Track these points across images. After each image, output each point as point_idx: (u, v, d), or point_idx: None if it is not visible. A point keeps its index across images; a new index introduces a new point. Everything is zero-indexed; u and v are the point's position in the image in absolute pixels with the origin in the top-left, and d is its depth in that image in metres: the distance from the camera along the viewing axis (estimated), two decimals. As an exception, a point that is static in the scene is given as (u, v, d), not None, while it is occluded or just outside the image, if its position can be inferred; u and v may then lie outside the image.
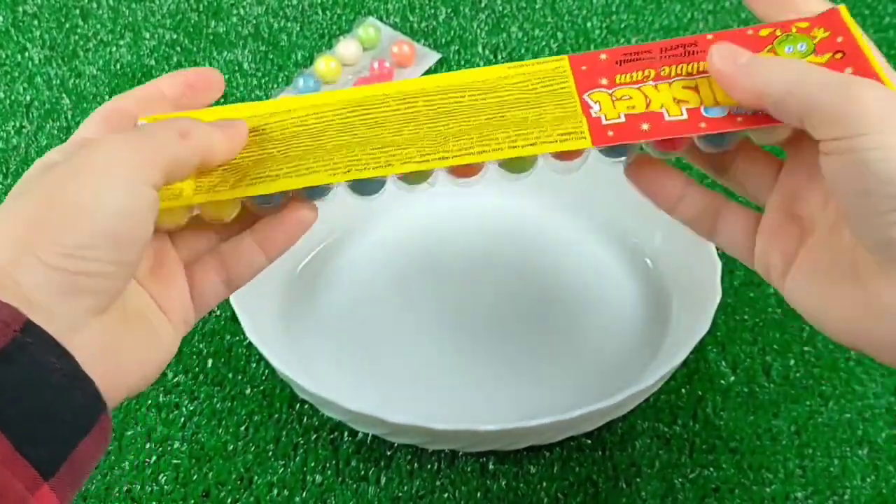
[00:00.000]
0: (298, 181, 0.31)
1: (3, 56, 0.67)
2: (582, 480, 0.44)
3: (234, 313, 0.47)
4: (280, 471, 0.44)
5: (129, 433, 0.46)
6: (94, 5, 0.71)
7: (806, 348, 0.49)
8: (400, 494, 0.44)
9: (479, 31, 0.68)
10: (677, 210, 0.34)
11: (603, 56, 0.32)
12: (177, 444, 0.45)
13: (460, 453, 0.45)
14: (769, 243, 0.32)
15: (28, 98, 0.64)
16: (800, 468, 0.44)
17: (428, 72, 0.65)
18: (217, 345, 0.49)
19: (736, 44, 0.31)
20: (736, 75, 0.30)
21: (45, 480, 0.25)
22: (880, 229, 0.27)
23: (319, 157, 0.32)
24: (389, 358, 0.48)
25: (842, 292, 0.29)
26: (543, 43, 0.67)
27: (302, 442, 0.45)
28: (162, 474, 0.44)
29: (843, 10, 0.31)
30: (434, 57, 0.66)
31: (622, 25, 0.68)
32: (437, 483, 0.44)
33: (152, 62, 0.66)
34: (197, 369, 0.48)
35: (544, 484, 0.44)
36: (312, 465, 0.45)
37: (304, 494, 0.44)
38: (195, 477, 0.44)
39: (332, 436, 0.46)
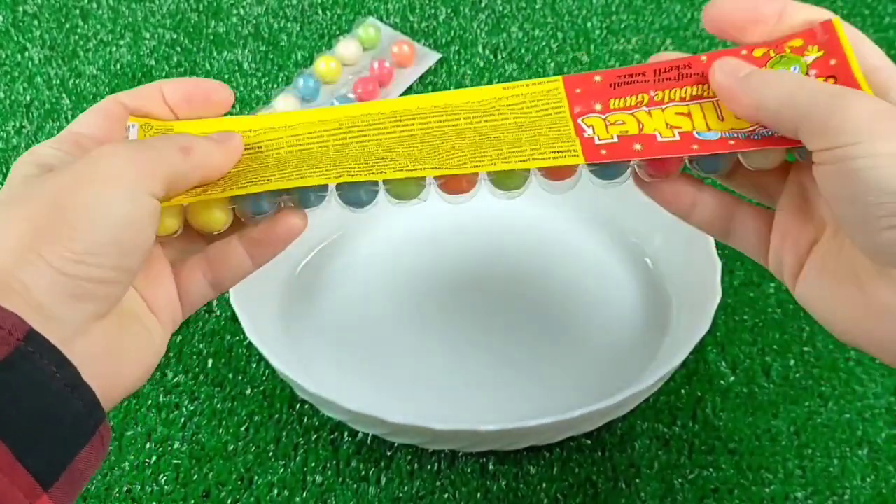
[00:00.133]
0: (289, 183, 0.32)
1: (3, 56, 0.67)
2: (582, 481, 0.44)
3: (234, 313, 0.47)
4: (280, 471, 0.44)
5: (129, 433, 0.46)
6: (94, 5, 0.71)
7: (806, 349, 0.49)
8: (400, 495, 0.44)
9: (479, 31, 0.68)
10: (692, 216, 0.35)
11: (597, 78, 0.33)
12: (177, 444, 0.45)
13: (460, 453, 0.45)
14: (782, 244, 0.32)
15: (28, 98, 0.64)
16: (799, 468, 0.44)
17: (428, 72, 0.65)
18: (217, 345, 0.49)
19: None
20: (736, 88, 0.30)
21: (45, 490, 0.25)
22: (872, 234, 0.27)
23: (312, 165, 0.32)
24: (389, 358, 0.48)
25: (846, 293, 0.30)
26: (543, 43, 0.67)
27: (302, 442, 0.45)
28: (162, 474, 0.44)
29: (836, 22, 0.31)
30: (434, 57, 0.66)
31: (622, 25, 0.68)
32: (437, 483, 0.44)
33: (152, 62, 0.66)
34: (197, 369, 0.48)
35: (544, 484, 0.44)
36: (313, 465, 0.45)
37: (304, 494, 0.44)
38: (195, 477, 0.44)
39: (332, 436, 0.46)
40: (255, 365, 0.49)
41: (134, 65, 0.66)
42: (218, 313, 0.51)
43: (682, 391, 0.47)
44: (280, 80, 0.65)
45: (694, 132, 0.31)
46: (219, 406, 0.47)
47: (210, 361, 0.49)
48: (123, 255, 0.28)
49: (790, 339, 0.49)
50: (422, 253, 0.53)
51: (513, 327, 0.49)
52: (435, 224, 0.54)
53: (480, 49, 0.67)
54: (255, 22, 0.69)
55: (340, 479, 0.44)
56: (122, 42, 0.68)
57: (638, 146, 0.31)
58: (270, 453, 0.45)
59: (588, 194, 0.53)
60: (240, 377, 0.48)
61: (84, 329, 0.27)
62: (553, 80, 0.33)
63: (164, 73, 0.65)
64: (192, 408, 0.47)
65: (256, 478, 0.44)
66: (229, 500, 0.43)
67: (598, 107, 0.32)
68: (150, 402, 0.47)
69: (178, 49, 0.67)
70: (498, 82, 0.65)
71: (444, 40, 0.68)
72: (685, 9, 0.69)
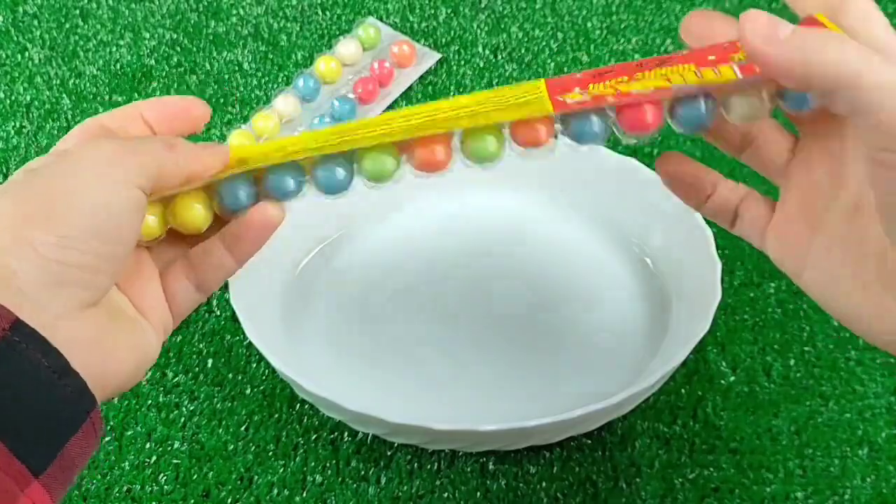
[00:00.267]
0: (262, 164, 0.33)
1: (3, 56, 0.67)
2: (582, 480, 0.44)
3: (234, 313, 0.47)
4: (280, 471, 0.44)
5: (129, 433, 0.46)
6: (94, 5, 0.71)
7: (806, 348, 0.49)
8: (400, 494, 0.44)
9: (479, 31, 0.68)
10: (705, 207, 0.35)
11: (578, 75, 0.33)
12: (177, 444, 0.45)
13: (460, 453, 0.45)
14: (781, 235, 0.32)
15: (28, 98, 0.64)
16: (800, 468, 0.44)
17: (428, 72, 0.65)
18: (217, 345, 0.49)
19: (709, 55, 0.31)
20: (781, 53, 0.27)
21: (36, 477, 0.25)
22: None
23: (286, 156, 0.33)
24: (389, 358, 0.48)
25: (853, 285, 0.30)
26: (543, 43, 0.67)
27: (302, 442, 0.45)
28: (162, 474, 0.44)
29: (819, 17, 0.31)
30: (434, 57, 0.66)
31: (622, 25, 0.68)
32: (437, 483, 0.44)
33: (152, 62, 0.66)
34: (197, 369, 0.48)
35: (544, 484, 0.44)
36: (312, 465, 0.45)
37: (304, 494, 0.44)
38: (195, 477, 0.44)
39: (332, 436, 0.46)
40: (255, 365, 0.49)
41: (134, 65, 0.66)
42: (218, 313, 0.51)
43: (683, 391, 0.47)
44: (280, 80, 0.65)
45: (671, 87, 0.31)
46: (219, 406, 0.47)
47: (210, 361, 0.49)
48: (106, 242, 0.28)
49: (790, 339, 0.49)
50: (422, 253, 0.53)
51: (513, 327, 0.49)
52: (434, 224, 0.54)
53: (480, 49, 0.67)
54: (255, 22, 0.69)
55: (340, 479, 0.44)
56: (122, 42, 0.68)
57: (611, 99, 0.31)
58: (270, 453, 0.45)
59: (588, 194, 0.53)
60: (240, 377, 0.48)
61: (70, 315, 0.27)
62: (536, 80, 0.34)
63: (164, 73, 0.65)
64: (191, 407, 0.47)
65: (256, 477, 0.44)
66: (229, 500, 0.43)
67: (576, 89, 0.32)
68: (150, 401, 0.47)
69: (178, 49, 0.67)
70: (498, 82, 0.65)
71: (444, 40, 0.68)
72: (685, 9, 0.69)
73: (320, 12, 0.70)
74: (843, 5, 0.29)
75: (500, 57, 0.66)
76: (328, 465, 0.45)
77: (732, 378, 0.48)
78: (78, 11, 0.70)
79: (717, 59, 0.31)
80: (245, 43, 0.68)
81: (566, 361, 0.47)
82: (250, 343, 0.45)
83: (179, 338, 0.50)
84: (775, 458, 0.45)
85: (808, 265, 0.32)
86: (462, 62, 0.66)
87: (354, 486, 0.44)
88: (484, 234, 0.53)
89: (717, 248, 0.46)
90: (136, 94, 0.64)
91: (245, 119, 0.62)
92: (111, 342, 0.29)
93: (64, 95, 0.64)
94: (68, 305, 0.27)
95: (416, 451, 0.45)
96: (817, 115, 0.31)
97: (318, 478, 0.44)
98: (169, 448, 0.45)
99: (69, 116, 0.62)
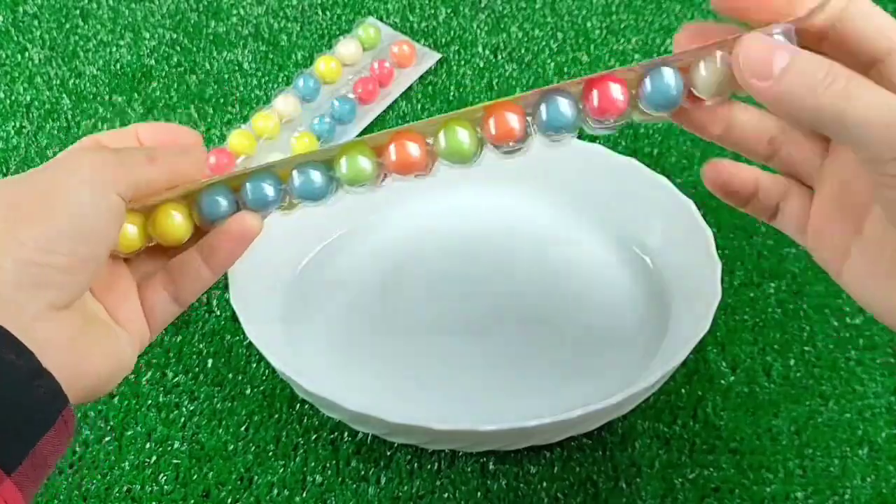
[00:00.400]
0: (242, 175, 0.33)
1: (3, 56, 0.67)
2: (582, 480, 0.44)
3: (234, 313, 0.47)
4: (280, 471, 0.44)
5: (129, 433, 0.46)
6: (94, 6, 0.71)
7: (806, 348, 0.49)
8: (400, 494, 0.44)
9: (479, 31, 0.68)
10: (748, 206, 0.35)
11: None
12: (177, 444, 0.45)
13: (460, 453, 0.45)
14: (820, 232, 0.33)
15: (28, 98, 0.64)
16: (800, 468, 0.44)
17: (428, 72, 0.65)
18: (217, 345, 0.49)
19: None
20: (771, 93, 0.28)
21: (8, 475, 0.26)
22: None
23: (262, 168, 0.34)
24: (389, 358, 0.48)
25: (891, 284, 0.30)
26: (543, 43, 0.67)
27: (302, 442, 0.45)
28: (162, 474, 0.44)
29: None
30: (434, 57, 0.66)
31: (622, 25, 0.68)
32: (437, 483, 0.44)
33: (152, 62, 0.66)
34: (197, 369, 0.48)
35: (544, 484, 0.44)
36: (312, 465, 0.45)
37: (304, 494, 0.44)
38: (195, 477, 0.44)
39: (332, 436, 0.46)
40: (255, 365, 0.49)
41: (134, 65, 0.66)
42: (218, 313, 0.51)
43: (683, 391, 0.47)
44: (280, 80, 0.65)
45: (636, 67, 0.31)
46: (218, 406, 0.47)
47: (210, 361, 0.49)
48: (85, 243, 0.29)
49: (790, 339, 0.49)
50: (421, 253, 0.53)
51: (513, 327, 0.49)
52: (435, 224, 0.54)
53: (480, 49, 0.67)
54: (255, 22, 0.69)
55: (340, 479, 0.44)
56: (122, 42, 0.68)
57: (577, 82, 0.32)
58: (270, 453, 0.45)
59: (588, 194, 0.53)
60: (240, 377, 0.48)
61: (45, 317, 0.28)
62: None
63: (164, 73, 0.65)
64: (191, 408, 0.47)
65: (256, 478, 0.44)
66: (229, 500, 0.43)
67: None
68: (150, 401, 0.47)
69: (178, 49, 0.67)
70: (498, 82, 0.65)
71: (444, 40, 0.68)
72: (685, 9, 0.69)
73: (320, 12, 0.70)
74: (848, 6, 0.29)
75: (500, 57, 0.66)
76: (328, 465, 0.45)
77: (732, 378, 0.48)
78: (78, 11, 0.70)
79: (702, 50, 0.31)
80: (245, 43, 0.68)
81: (566, 361, 0.47)
82: (250, 343, 0.45)
83: (179, 338, 0.50)
84: (775, 458, 0.45)
85: (845, 263, 0.32)
86: (462, 62, 0.66)
87: (354, 486, 0.44)
88: (483, 235, 0.53)
89: (717, 248, 0.46)
90: (135, 94, 0.64)
91: (245, 119, 0.62)
92: (85, 346, 0.30)
93: (64, 95, 0.64)
94: (43, 307, 0.28)
95: (416, 451, 0.45)
96: None
97: (318, 478, 0.44)
98: (169, 448, 0.45)
99: (69, 116, 0.62)
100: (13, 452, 0.26)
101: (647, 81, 0.31)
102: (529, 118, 0.33)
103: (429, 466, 0.45)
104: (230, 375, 0.48)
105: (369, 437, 0.45)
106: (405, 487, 0.44)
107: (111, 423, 0.46)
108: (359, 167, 0.33)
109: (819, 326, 0.50)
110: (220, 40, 0.68)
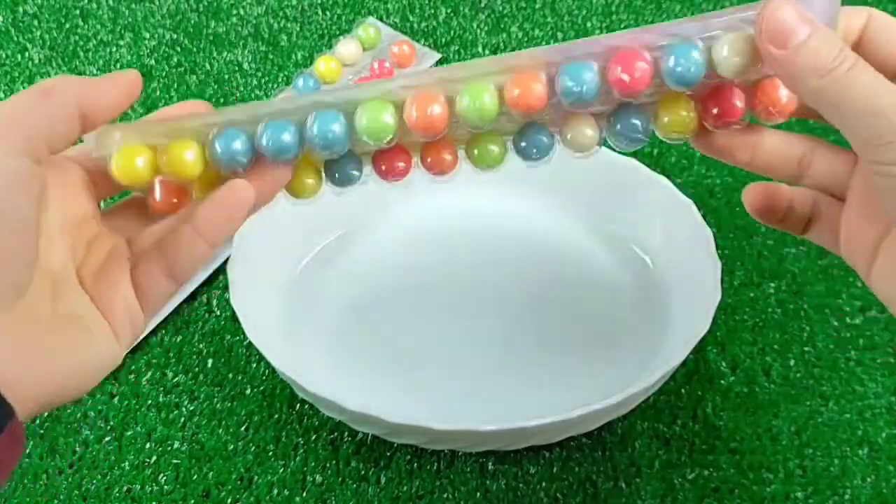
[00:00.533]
0: (261, 117, 0.31)
1: (3, 56, 0.67)
2: (582, 480, 0.44)
3: (234, 313, 0.47)
4: (280, 471, 0.44)
5: (129, 433, 0.46)
6: (94, 5, 0.71)
7: (806, 348, 0.49)
8: (400, 494, 0.44)
9: (479, 31, 0.68)
10: (784, 221, 0.35)
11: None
12: (177, 444, 0.45)
13: (460, 453, 0.45)
14: (850, 237, 0.33)
15: (28, 98, 0.64)
16: (800, 468, 0.44)
17: (428, 72, 0.65)
18: (217, 345, 0.49)
19: None
20: (782, 64, 0.28)
21: None
22: None
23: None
24: (390, 358, 0.48)
25: None
26: (543, 43, 0.67)
27: (302, 442, 0.45)
28: (162, 474, 0.44)
29: None
30: (434, 57, 0.66)
31: (622, 25, 0.68)
32: (437, 483, 0.44)
33: (152, 62, 0.66)
34: (197, 369, 0.48)
35: (544, 484, 0.44)
36: (312, 465, 0.45)
37: (304, 494, 0.44)
38: (195, 477, 0.44)
39: (332, 436, 0.46)
40: (255, 365, 0.49)
41: (134, 65, 0.66)
42: (218, 313, 0.51)
43: (683, 391, 0.47)
44: (280, 80, 0.65)
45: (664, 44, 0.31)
46: (218, 406, 0.47)
47: (210, 361, 0.49)
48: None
49: (790, 339, 0.49)
50: (422, 253, 0.53)
51: (513, 327, 0.49)
52: (435, 225, 0.54)
53: (480, 49, 0.67)
54: (255, 22, 0.69)
55: (340, 479, 0.44)
56: (122, 42, 0.68)
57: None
58: (270, 453, 0.45)
59: (588, 194, 0.53)
60: (240, 377, 0.48)
61: None
62: None
63: (164, 73, 0.65)
64: (191, 407, 0.47)
65: (256, 478, 0.44)
66: (229, 500, 0.43)
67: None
68: (150, 402, 0.47)
69: (178, 49, 0.67)
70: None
71: (443, 40, 0.68)
72: (685, 9, 0.69)
73: (320, 12, 0.70)
74: (868, 24, 0.30)
75: (500, 57, 0.66)
76: (328, 465, 0.45)
77: (732, 378, 0.48)
78: (78, 11, 0.70)
79: None
80: (245, 43, 0.68)
81: (566, 361, 0.47)
82: (250, 343, 0.45)
83: (179, 338, 0.50)
84: (775, 459, 0.45)
85: (874, 266, 0.32)
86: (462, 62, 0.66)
87: (354, 486, 0.44)
88: (483, 234, 0.53)
89: (717, 248, 0.46)
90: (136, 94, 0.64)
91: (245, 119, 0.62)
92: (38, 350, 0.27)
93: (64, 95, 0.64)
94: None
95: (416, 451, 0.45)
96: None
97: (318, 478, 0.44)
98: (169, 448, 0.45)
99: (69, 116, 0.62)
100: None
101: (674, 54, 0.30)
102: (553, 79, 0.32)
103: (429, 466, 0.45)
104: (230, 375, 0.48)
105: (369, 437, 0.45)
106: (405, 487, 0.44)
107: (111, 423, 0.46)
108: (380, 119, 0.31)
109: (819, 326, 0.50)
110: (220, 40, 0.68)
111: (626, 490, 0.44)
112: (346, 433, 0.46)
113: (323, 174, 0.34)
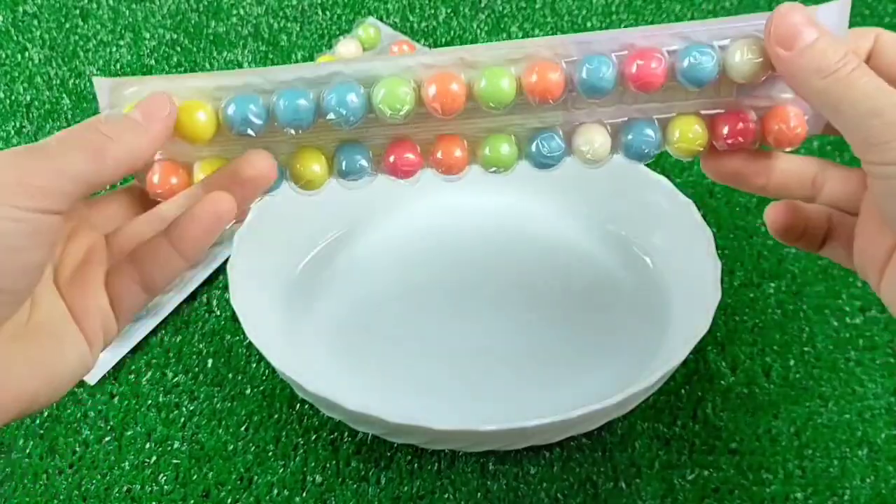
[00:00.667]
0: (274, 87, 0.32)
1: (3, 56, 0.67)
2: (582, 481, 0.44)
3: (234, 313, 0.47)
4: (280, 471, 0.44)
5: (129, 433, 0.46)
6: (94, 5, 0.71)
7: (806, 349, 0.49)
8: (400, 494, 0.44)
9: (479, 31, 0.68)
10: (802, 239, 0.35)
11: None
12: (177, 444, 0.45)
13: (460, 453, 0.45)
14: (862, 249, 0.33)
15: (28, 98, 0.64)
16: (799, 469, 0.44)
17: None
18: (217, 345, 0.49)
19: None
20: (787, 66, 0.30)
21: None
22: None
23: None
24: (390, 358, 0.48)
25: None
26: (543, 43, 0.67)
27: (302, 442, 0.45)
28: (162, 474, 0.44)
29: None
30: (434, 57, 0.66)
31: (622, 25, 0.68)
32: (438, 483, 0.44)
33: (152, 62, 0.66)
34: (197, 369, 0.48)
35: (544, 484, 0.44)
36: (312, 465, 0.45)
37: (304, 494, 0.44)
38: (195, 477, 0.44)
39: (332, 436, 0.46)
40: (255, 365, 0.49)
41: (134, 65, 0.66)
42: (218, 313, 0.51)
43: (683, 391, 0.47)
44: (280, 80, 0.65)
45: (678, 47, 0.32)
46: (218, 406, 0.47)
47: (210, 361, 0.49)
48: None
49: (790, 340, 0.49)
50: (422, 253, 0.53)
51: (513, 327, 0.49)
52: (435, 225, 0.54)
53: (480, 49, 0.67)
54: (255, 22, 0.69)
55: (340, 479, 0.44)
56: (122, 42, 0.68)
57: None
58: (270, 453, 0.45)
59: (588, 194, 0.53)
60: (240, 377, 0.48)
61: None
62: None
63: (163, 73, 0.65)
64: (191, 408, 0.47)
65: (256, 478, 0.44)
66: (229, 500, 0.43)
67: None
68: (150, 402, 0.47)
69: (178, 49, 0.67)
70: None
71: (443, 40, 0.68)
72: (685, 9, 0.69)
73: (320, 12, 0.70)
74: (875, 45, 0.31)
75: (500, 57, 0.66)
76: (328, 465, 0.45)
77: (732, 378, 0.48)
78: (78, 11, 0.70)
79: None
80: (245, 43, 0.68)
81: (566, 361, 0.47)
82: (250, 343, 0.45)
83: (179, 338, 0.50)
84: (775, 459, 0.45)
85: (885, 277, 0.32)
86: (462, 62, 0.66)
87: (354, 486, 0.44)
88: (483, 234, 0.53)
89: (717, 248, 0.46)
90: (136, 94, 0.64)
91: (245, 119, 0.62)
92: (4, 368, 0.27)
93: (64, 95, 0.64)
94: None
95: (416, 451, 0.45)
96: None
97: (318, 478, 0.44)
98: (169, 448, 0.45)
99: (69, 116, 0.62)
100: None
101: (690, 67, 0.31)
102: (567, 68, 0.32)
103: (429, 466, 0.45)
104: (230, 375, 0.48)
105: (369, 437, 0.45)
106: (405, 487, 0.44)
107: (111, 423, 0.46)
108: (398, 92, 0.31)
109: (819, 327, 0.50)
110: (220, 40, 0.68)
111: (626, 490, 0.44)
112: (346, 433, 0.46)
113: (329, 163, 0.34)
